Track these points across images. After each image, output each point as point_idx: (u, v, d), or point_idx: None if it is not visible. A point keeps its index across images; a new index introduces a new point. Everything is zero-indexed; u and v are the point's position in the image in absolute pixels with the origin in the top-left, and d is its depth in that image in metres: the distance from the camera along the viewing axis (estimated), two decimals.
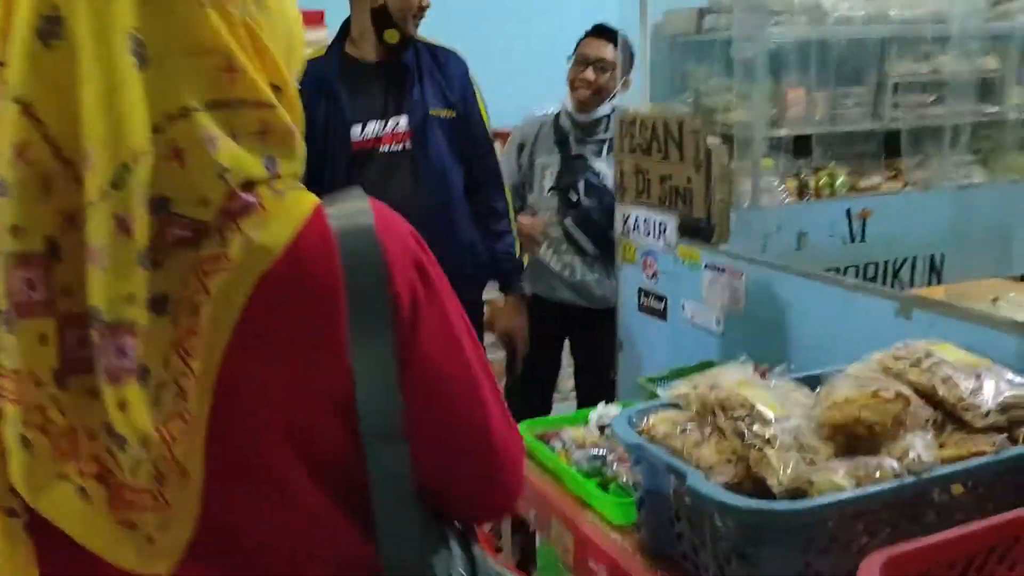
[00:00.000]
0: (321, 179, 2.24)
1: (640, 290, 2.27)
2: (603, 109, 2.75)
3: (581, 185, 2.73)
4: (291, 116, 0.78)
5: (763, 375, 1.73)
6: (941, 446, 1.22)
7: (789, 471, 1.10)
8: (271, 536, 0.78)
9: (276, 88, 0.76)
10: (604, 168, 2.74)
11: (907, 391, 1.19)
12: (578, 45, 2.81)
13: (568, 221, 2.76)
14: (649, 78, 2.40)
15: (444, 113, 2.36)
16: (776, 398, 1.20)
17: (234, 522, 0.76)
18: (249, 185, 0.73)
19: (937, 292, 2.26)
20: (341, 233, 0.75)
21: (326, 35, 3.57)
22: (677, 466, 1.17)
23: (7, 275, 0.68)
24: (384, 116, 2.31)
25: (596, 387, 2.55)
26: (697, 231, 2.05)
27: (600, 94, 2.74)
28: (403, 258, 0.78)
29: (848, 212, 2.63)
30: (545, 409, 2.93)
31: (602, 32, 2.77)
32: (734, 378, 1.24)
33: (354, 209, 0.78)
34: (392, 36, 2.29)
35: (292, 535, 0.78)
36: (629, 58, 2.61)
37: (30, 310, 0.68)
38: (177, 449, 0.70)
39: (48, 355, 0.69)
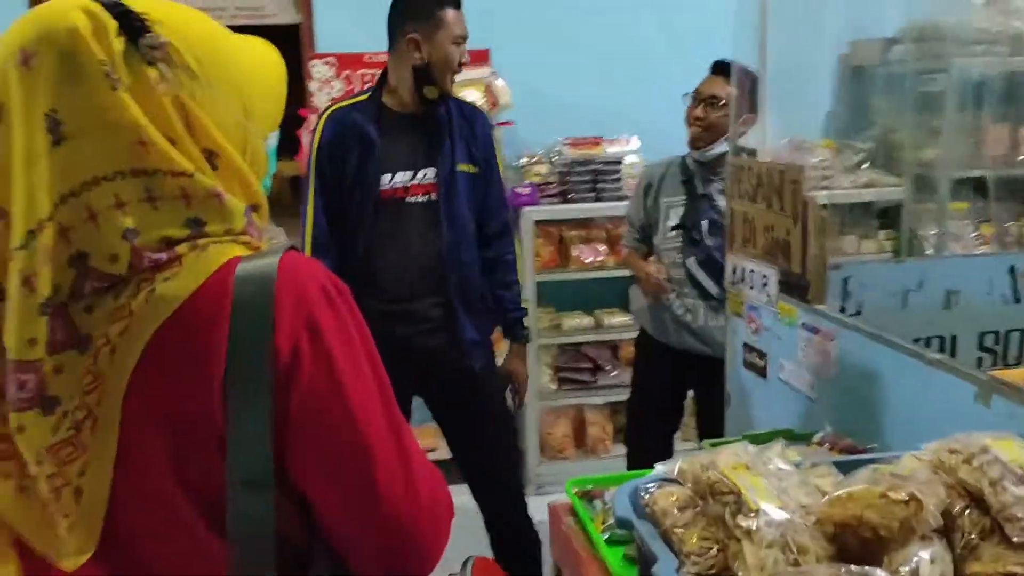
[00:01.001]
0: (345, 220, 2.38)
1: (744, 344, 2.15)
2: (720, 147, 2.62)
3: (704, 224, 2.63)
4: (227, 178, 0.84)
5: (844, 450, 1.60)
6: (977, 559, 1.07)
7: (763, 571, 1.01)
8: (162, 553, 0.85)
9: (211, 152, 0.83)
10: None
11: (923, 494, 1.05)
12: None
13: (691, 261, 2.67)
14: (767, 114, 2.25)
15: (469, 168, 2.44)
16: (773, 487, 1.10)
17: (131, 536, 0.84)
18: (170, 243, 0.81)
19: None
20: (237, 285, 0.81)
21: (488, 72, 3.72)
22: (651, 549, 1.10)
23: None
24: (414, 167, 2.40)
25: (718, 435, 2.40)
26: (800, 287, 1.91)
27: (712, 131, 2.63)
28: (294, 312, 0.82)
29: (1012, 269, 2.34)
30: (666, 455, 2.82)
31: (719, 69, 2.65)
32: (730, 459, 1.14)
33: (263, 263, 0.84)
34: (432, 92, 2.37)
35: (179, 556, 0.85)
36: (751, 93, 2.48)
37: None
38: (70, 471, 0.79)
39: None
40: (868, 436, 1.65)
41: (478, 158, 2.46)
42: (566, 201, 3.70)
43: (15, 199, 0.77)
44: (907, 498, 1.04)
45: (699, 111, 2.65)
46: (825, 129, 4.23)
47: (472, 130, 2.47)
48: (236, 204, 0.85)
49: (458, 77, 3.64)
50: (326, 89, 3.69)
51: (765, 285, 2.00)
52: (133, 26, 0.80)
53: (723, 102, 2.60)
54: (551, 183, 3.71)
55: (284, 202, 3.90)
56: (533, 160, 3.77)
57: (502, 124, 3.69)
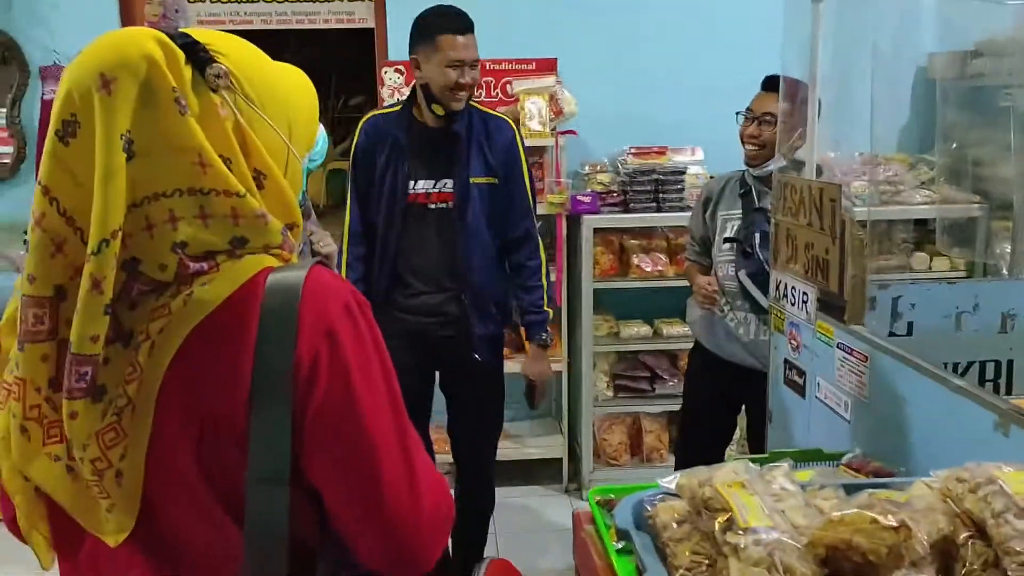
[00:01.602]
0: (378, 220, 2.63)
1: (785, 361, 2.14)
2: (778, 162, 2.60)
3: (757, 237, 2.61)
4: (271, 198, 0.93)
5: (871, 473, 1.59)
6: None
7: None
8: (187, 535, 0.94)
9: (260, 174, 0.92)
10: None
11: (913, 522, 1.05)
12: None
13: (743, 274, 2.65)
14: (816, 127, 2.22)
15: (485, 180, 2.64)
16: (767, 506, 1.12)
17: (161, 517, 0.93)
18: (211, 254, 0.90)
19: None
20: (267, 295, 0.89)
21: (553, 81, 3.76)
22: (645, 562, 1.13)
23: (23, 311, 0.90)
24: (435, 176, 2.61)
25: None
26: (837, 307, 1.90)
27: (768, 148, 2.61)
28: (316, 323, 0.89)
29: None
30: None
31: (772, 84, 2.63)
32: (727, 477, 1.16)
33: (292, 275, 0.92)
34: (438, 110, 2.58)
35: (202, 539, 0.93)
36: (789, 108, 2.46)
37: (35, 336, 0.89)
38: (112, 455, 0.88)
39: (46, 369, 0.89)
40: (897, 459, 1.64)
41: (496, 168, 2.65)
42: (627, 210, 3.71)
43: (94, 210, 0.86)
44: (896, 524, 1.05)
45: (753, 129, 2.64)
46: (899, 142, 4.13)
47: (491, 140, 2.64)
48: (276, 224, 0.94)
49: (521, 86, 3.74)
50: (396, 95, 3.79)
51: (805, 303, 1.99)
52: (199, 57, 0.89)
53: (777, 119, 2.58)
54: (613, 191, 3.73)
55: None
56: (596, 169, 3.80)
57: (565, 133, 3.73)
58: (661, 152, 3.80)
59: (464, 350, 2.70)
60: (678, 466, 2.95)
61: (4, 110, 3.78)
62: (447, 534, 1.02)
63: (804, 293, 1.99)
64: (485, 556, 1.32)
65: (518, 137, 2.71)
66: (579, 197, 3.66)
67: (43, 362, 0.89)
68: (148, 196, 0.87)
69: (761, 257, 2.59)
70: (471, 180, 2.61)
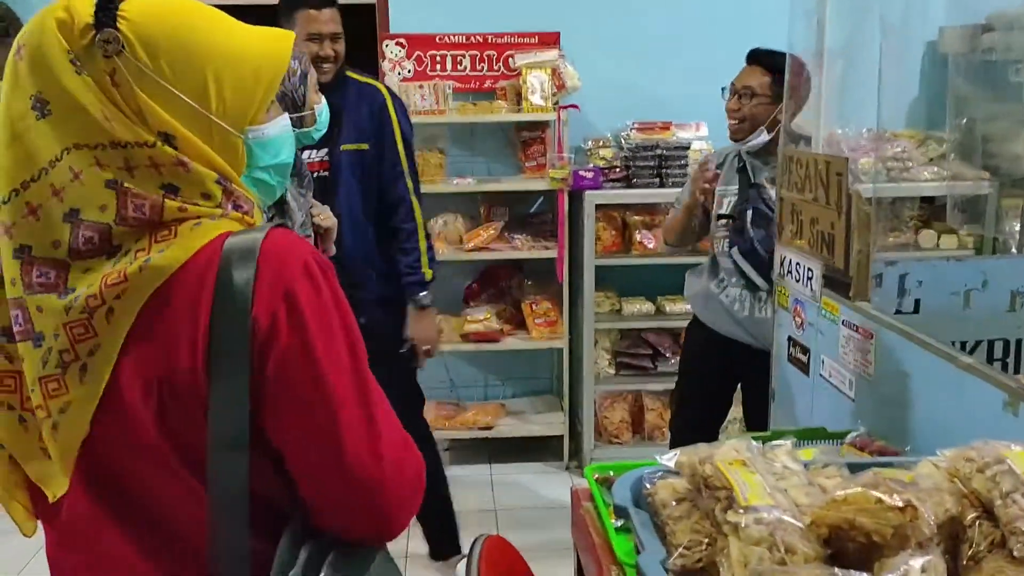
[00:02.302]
0: None
1: (789, 338, 2.11)
2: (761, 136, 2.55)
3: (749, 213, 2.55)
4: (190, 153, 0.92)
5: (875, 452, 1.56)
6: (978, 571, 1.04)
7: (746, 568, 1.00)
8: (154, 496, 0.94)
9: (166, 135, 0.91)
10: None
11: (920, 502, 1.02)
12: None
13: (735, 251, 2.60)
14: (823, 101, 2.17)
15: (355, 147, 2.71)
16: (769, 485, 1.09)
17: (123, 478, 0.94)
18: (155, 206, 0.90)
19: None
20: (223, 259, 0.89)
21: (556, 55, 3.70)
22: (643, 540, 1.11)
23: None
24: (317, 146, 2.65)
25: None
26: (843, 283, 1.86)
27: (749, 122, 2.55)
28: (273, 285, 0.89)
29: None
30: None
31: (753, 58, 2.58)
32: (728, 454, 1.13)
33: (249, 238, 0.91)
34: None
35: (170, 498, 0.94)
36: (793, 81, 2.42)
37: None
38: (52, 405, 0.90)
39: (2, 316, 0.94)
40: (902, 438, 1.61)
41: (369, 134, 2.71)
42: (630, 186, 3.67)
43: (2, 164, 0.91)
44: (902, 504, 1.02)
45: (733, 103, 2.58)
46: (908, 118, 4.07)
47: (361, 108, 2.71)
48: (204, 171, 0.93)
49: (524, 60, 3.69)
50: (397, 69, 3.75)
51: (810, 279, 1.96)
52: (100, 21, 0.90)
53: (757, 93, 2.53)
54: (616, 167, 3.68)
55: None
56: (599, 144, 3.75)
57: (568, 107, 3.68)
58: (665, 127, 3.75)
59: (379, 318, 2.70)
60: (673, 442, 2.93)
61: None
62: (416, 497, 0.99)
63: (809, 269, 1.96)
64: (481, 533, 1.29)
65: (390, 102, 2.77)
66: (581, 172, 3.61)
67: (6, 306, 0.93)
68: (69, 147, 0.90)
69: (752, 235, 2.54)
70: (342, 148, 2.69)
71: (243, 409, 0.87)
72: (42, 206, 0.90)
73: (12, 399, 0.94)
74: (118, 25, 0.90)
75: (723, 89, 2.64)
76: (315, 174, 2.67)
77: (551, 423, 3.88)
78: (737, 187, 2.64)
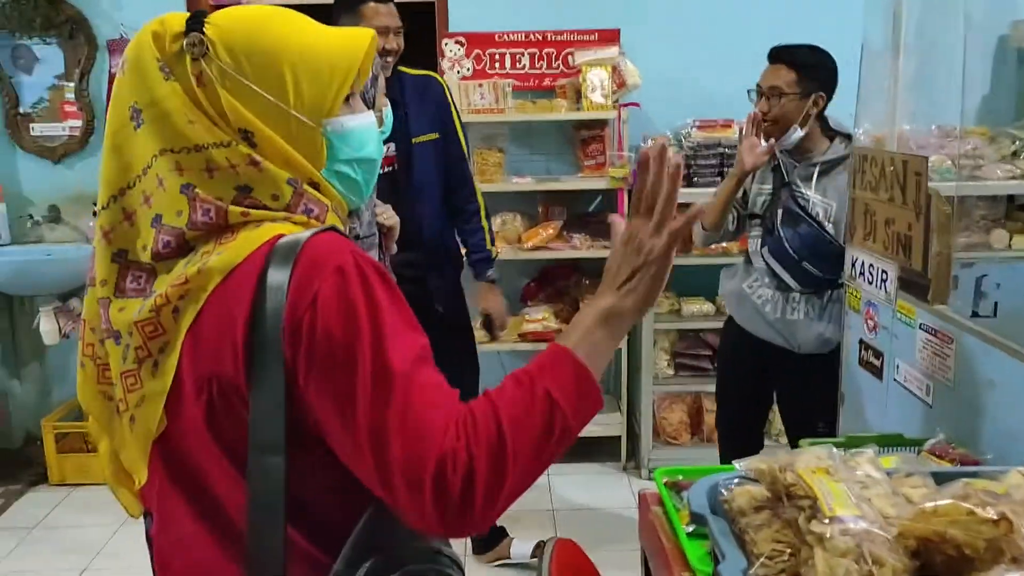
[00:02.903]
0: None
1: (861, 342, 2.06)
2: (795, 134, 2.47)
3: (780, 213, 2.49)
4: (266, 151, 0.96)
5: (956, 460, 1.52)
6: None
7: None
8: (216, 492, 0.96)
9: (246, 132, 0.95)
10: (813, 195, 2.49)
11: (1015, 515, 0.98)
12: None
13: (766, 251, 2.54)
14: (898, 98, 2.11)
15: (427, 138, 2.77)
16: (854, 494, 1.06)
17: (198, 475, 0.97)
18: (220, 211, 0.93)
19: None
20: (266, 260, 0.91)
21: (616, 52, 3.68)
22: (722, 547, 1.09)
23: (92, 262, 1.01)
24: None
25: (802, 437, 2.33)
26: (920, 286, 1.81)
27: (781, 122, 2.47)
28: (304, 288, 0.89)
29: None
30: (755, 447, 2.73)
31: (775, 57, 2.50)
32: (810, 462, 1.11)
33: (292, 240, 0.92)
34: None
35: (226, 497, 0.95)
36: (816, 76, 2.39)
37: (93, 281, 1.00)
38: (131, 399, 0.96)
39: (100, 312, 0.99)
40: (984, 447, 1.56)
41: (436, 124, 2.79)
42: (691, 185, 3.62)
43: (103, 173, 0.97)
44: (996, 517, 0.98)
45: (762, 104, 2.50)
46: (980, 115, 3.95)
47: (426, 99, 2.78)
48: (276, 172, 0.95)
49: (584, 57, 3.67)
50: (456, 68, 3.75)
51: (884, 281, 1.91)
52: (189, 28, 0.95)
53: (785, 91, 2.46)
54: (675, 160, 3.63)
55: None
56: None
57: (628, 105, 3.65)
58: (727, 125, 3.69)
59: (427, 306, 2.76)
60: (721, 441, 2.91)
61: (73, 84, 3.84)
62: (438, 498, 0.85)
63: (883, 271, 1.91)
64: (551, 536, 1.26)
65: (446, 88, 2.86)
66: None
67: (100, 305, 0.99)
68: (156, 153, 0.95)
69: (782, 235, 2.48)
70: (413, 140, 2.73)
71: (279, 412, 0.88)
72: (136, 212, 0.96)
73: (111, 390, 0.99)
74: (204, 30, 0.95)
75: (749, 92, 2.57)
76: (381, 171, 2.72)
77: (609, 424, 3.85)
78: (771, 186, 2.58)
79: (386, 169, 2.73)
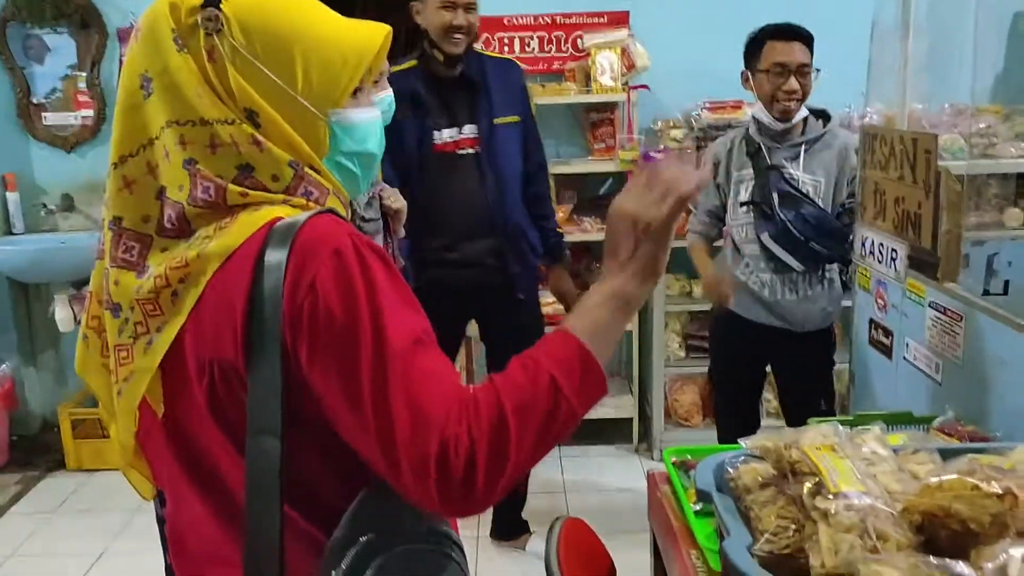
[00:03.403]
0: (410, 176, 2.61)
1: (871, 321, 2.06)
2: (801, 113, 2.49)
3: (775, 197, 2.47)
4: (270, 133, 0.96)
5: (965, 438, 1.52)
6: None
7: (837, 555, 0.98)
8: (219, 471, 0.97)
9: (251, 112, 0.95)
10: (801, 175, 2.49)
11: (1020, 489, 0.99)
12: (760, 50, 2.55)
13: (765, 236, 2.52)
14: (908, 76, 2.09)
15: (509, 120, 2.72)
16: (859, 470, 1.07)
17: (203, 455, 0.98)
18: (219, 189, 0.94)
19: None
20: (263, 243, 0.91)
21: (625, 34, 3.66)
22: (728, 525, 1.09)
23: (101, 232, 1.00)
24: (458, 123, 2.65)
25: (804, 415, 2.33)
26: (930, 264, 1.81)
27: (803, 100, 2.49)
28: (301, 272, 0.89)
29: None
30: (753, 427, 2.74)
31: (794, 34, 2.48)
32: (815, 439, 1.11)
33: (289, 223, 0.92)
34: (437, 55, 2.61)
35: (230, 476, 0.96)
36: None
37: (100, 254, 1.01)
38: (121, 372, 0.97)
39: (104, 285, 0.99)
40: (993, 424, 1.56)
41: (517, 107, 2.74)
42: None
43: (113, 136, 0.98)
44: (1001, 492, 0.99)
45: (792, 83, 2.45)
46: (992, 92, 3.91)
47: (508, 82, 2.73)
48: (279, 153, 0.95)
49: (593, 40, 3.64)
50: None
51: (894, 260, 1.90)
52: (206, 2, 0.94)
53: (808, 69, 2.46)
54: (687, 148, 3.63)
55: None
56: (669, 124, 3.70)
57: (638, 87, 3.63)
58: (737, 106, 3.67)
59: (506, 292, 2.76)
60: (720, 424, 2.93)
61: (85, 73, 3.85)
62: (445, 478, 0.84)
63: (893, 250, 1.90)
64: (556, 515, 1.27)
65: (522, 74, 2.84)
66: (651, 153, 3.57)
67: (103, 279, 0.99)
68: (164, 124, 0.95)
69: (783, 217, 2.46)
70: (495, 122, 2.67)
71: (276, 396, 0.88)
72: (137, 182, 0.96)
73: (110, 363, 1.00)
74: (221, 6, 0.95)
75: (754, 71, 2.55)
76: (462, 151, 2.68)
77: (621, 405, 3.86)
78: (752, 171, 2.56)
79: (468, 151, 2.69)
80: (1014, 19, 3.91)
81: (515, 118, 2.74)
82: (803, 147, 2.49)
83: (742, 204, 2.59)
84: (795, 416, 2.62)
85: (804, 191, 2.46)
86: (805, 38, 2.48)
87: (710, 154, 2.76)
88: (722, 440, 2.76)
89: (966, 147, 3.47)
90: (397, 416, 0.85)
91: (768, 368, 2.82)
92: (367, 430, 0.86)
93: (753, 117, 2.62)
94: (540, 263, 2.97)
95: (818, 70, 2.48)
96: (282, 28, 0.96)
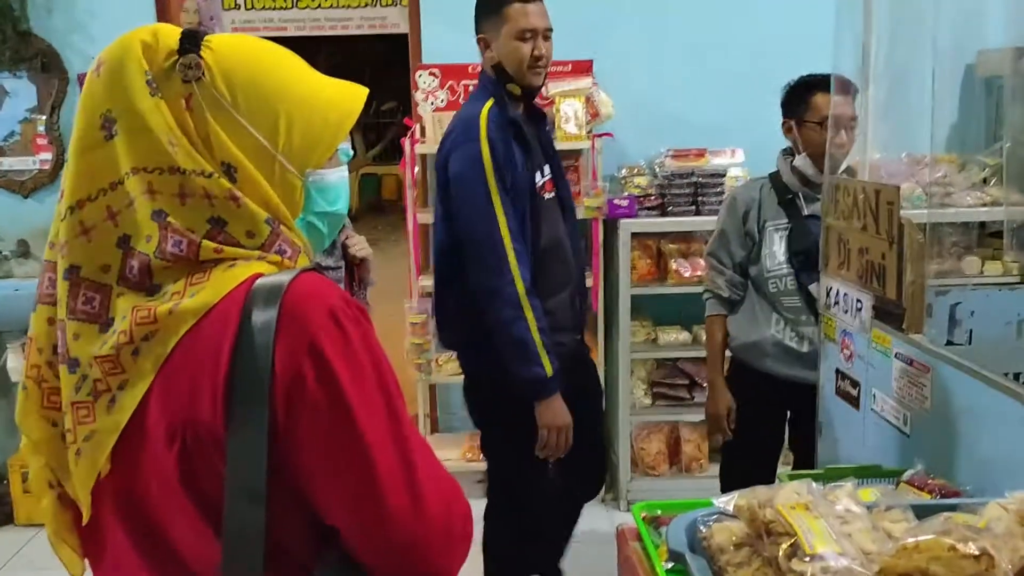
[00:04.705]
0: (525, 218, 2.29)
1: (837, 371, 2.06)
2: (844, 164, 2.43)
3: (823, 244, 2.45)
4: (247, 189, 0.92)
5: (935, 492, 1.51)
6: None
7: None
8: (184, 543, 0.91)
9: (229, 166, 0.91)
10: None
11: (995, 550, 0.97)
12: (806, 98, 2.50)
13: (814, 287, 2.39)
14: (869, 127, 2.12)
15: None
16: (834, 530, 1.05)
17: (163, 524, 0.92)
18: (192, 244, 0.89)
19: None
20: (246, 302, 0.87)
21: (589, 83, 3.69)
22: None
23: (41, 275, 0.96)
24: (541, 164, 2.40)
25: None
26: (895, 315, 1.81)
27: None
28: (297, 336, 0.86)
29: None
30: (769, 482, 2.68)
31: (843, 87, 2.36)
32: (789, 498, 1.09)
33: (275, 283, 0.88)
34: (514, 89, 2.33)
35: (193, 549, 0.90)
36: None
37: (45, 299, 0.95)
38: (79, 431, 0.90)
39: (50, 333, 0.94)
40: (963, 477, 1.55)
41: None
42: (665, 214, 3.63)
43: (67, 179, 0.92)
44: (978, 552, 0.97)
45: (842, 137, 2.31)
46: (949, 143, 4.01)
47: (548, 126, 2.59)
48: (255, 209, 0.92)
49: (557, 88, 3.67)
50: (431, 99, 3.75)
51: (859, 310, 1.91)
52: (184, 48, 0.90)
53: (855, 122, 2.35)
54: (651, 195, 3.65)
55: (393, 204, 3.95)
56: (633, 172, 3.73)
57: (602, 135, 3.66)
58: (700, 154, 3.72)
59: (586, 353, 2.66)
60: (739, 484, 2.81)
61: (44, 117, 3.80)
62: (463, 545, 0.95)
63: (858, 300, 1.91)
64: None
65: None
66: (616, 201, 3.59)
67: (49, 325, 0.94)
68: (129, 170, 0.90)
69: None
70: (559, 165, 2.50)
71: (260, 461, 0.84)
72: (96, 227, 0.90)
73: (57, 417, 0.94)
74: (202, 53, 0.92)
75: (803, 121, 2.49)
76: (546, 196, 2.39)
77: None
78: (787, 221, 2.52)
79: (550, 195, 2.42)
80: (966, 71, 4.03)
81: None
82: None
83: (794, 254, 2.49)
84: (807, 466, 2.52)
85: None
86: (852, 91, 2.33)
87: (737, 203, 2.63)
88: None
89: (924, 196, 3.54)
90: (424, 472, 0.89)
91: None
92: (381, 492, 0.86)
93: (793, 167, 2.52)
94: None
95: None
96: (268, 84, 0.94)
